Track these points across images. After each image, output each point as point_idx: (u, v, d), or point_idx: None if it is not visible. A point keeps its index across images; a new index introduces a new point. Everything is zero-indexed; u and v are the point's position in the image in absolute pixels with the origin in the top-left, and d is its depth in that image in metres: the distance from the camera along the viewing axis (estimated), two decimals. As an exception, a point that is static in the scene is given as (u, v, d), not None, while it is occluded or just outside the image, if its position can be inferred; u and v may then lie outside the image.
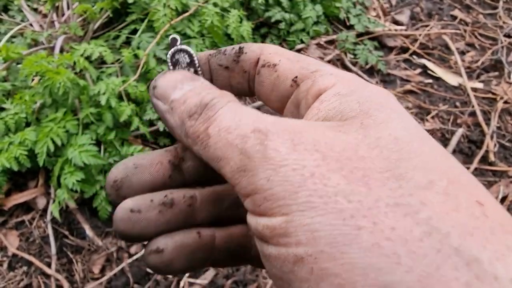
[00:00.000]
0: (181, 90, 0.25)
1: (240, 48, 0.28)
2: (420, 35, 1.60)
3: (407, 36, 1.61)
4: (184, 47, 0.30)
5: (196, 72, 0.30)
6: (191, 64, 0.30)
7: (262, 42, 1.49)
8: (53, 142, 0.94)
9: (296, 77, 0.26)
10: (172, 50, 0.30)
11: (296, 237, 0.19)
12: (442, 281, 0.16)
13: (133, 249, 1.01)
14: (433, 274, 0.16)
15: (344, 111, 0.23)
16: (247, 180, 0.21)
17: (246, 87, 0.29)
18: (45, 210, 1.02)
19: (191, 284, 0.98)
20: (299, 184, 0.19)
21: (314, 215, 0.19)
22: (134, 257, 0.98)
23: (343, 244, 0.18)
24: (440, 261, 0.17)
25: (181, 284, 0.96)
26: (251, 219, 0.22)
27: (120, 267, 0.96)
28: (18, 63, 1.17)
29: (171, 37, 0.30)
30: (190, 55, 0.30)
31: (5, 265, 0.94)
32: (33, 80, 1.16)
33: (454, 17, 1.76)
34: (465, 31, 1.68)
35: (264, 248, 0.21)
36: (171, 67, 0.30)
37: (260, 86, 0.28)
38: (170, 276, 0.99)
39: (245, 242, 0.29)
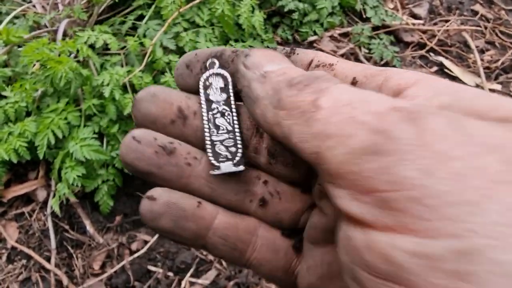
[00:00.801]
0: (278, 65, 0.22)
1: (292, 48, 0.27)
2: (438, 30, 1.53)
3: (424, 31, 1.54)
4: (221, 71, 0.28)
5: (228, 98, 0.28)
6: (224, 89, 0.29)
7: (273, 32, 1.43)
8: (54, 134, 0.91)
9: (357, 77, 0.23)
10: (207, 73, 0.28)
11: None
12: None
13: (134, 246, 0.99)
14: None
15: (483, 109, 0.17)
16: (378, 166, 0.14)
17: None
18: (45, 202, 0.99)
19: (192, 283, 0.96)
20: (485, 193, 0.13)
21: None
22: (135, 255, 0.96)
23: None
24: None
25: (183, 284, 0.95)
26: (372, 235, 0.14)
27: (120, 264, 0.94)
28: (19, 46, 1.12)
29: (210, 60, 0.28)
30: (225, 80, 0.28)
31: (4, 257, 0.93)
32: (34, 65, 1.11)
33: (475, 12, 1.68)
34: (485, 28, 1.61)
35: None
36: (201, 91, 0.28)
37: None
38: (171, 275, 0.97)
39: (248, 241, 0.27)
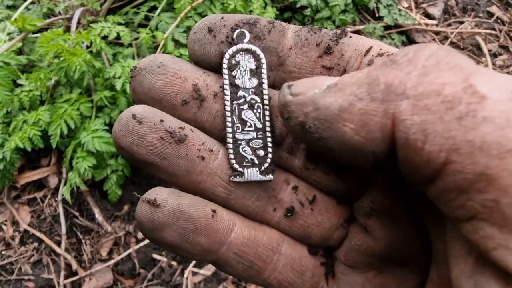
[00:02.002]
0: (331, 80, 0.18)
1: (344, 30, 0.23)
2: (451, 33, 1.52)
3: (437, 33, 1.52)
4: (253, 47, 0.22)
5: (260, 85, 0.22)
6: (255, 72, 0.22)
7: (285, 27, 1.42)
8: (67, 124, 0.93)
9: None
10: (235, 48, 0.22)
11: None
12: None
13: (140, 235, 1.03)
14: None
15: None
16: None
17: (336, 76, 0.21)
18: (56, 189, 1.03)
19: (194, 273, 1.00)
20: None
21: None
22: (141, 244, 1.00)
23: None
24: None
25: (185, 273, 0.99)
26: None
27: (127, 252, 0.98)
28: (34, 33, 1.14)
29: (238, 30, 0.22)
30: (258, 60, 0.22)
31: (17, 239, 0.97)
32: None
33: (490, 14, 1.65)
34: (500, 31, 1.59)
35: None
36: (225, 71, 0.22)
37: None
38: (174, 264, 1.01)
39: (269, 259, 0.22)
